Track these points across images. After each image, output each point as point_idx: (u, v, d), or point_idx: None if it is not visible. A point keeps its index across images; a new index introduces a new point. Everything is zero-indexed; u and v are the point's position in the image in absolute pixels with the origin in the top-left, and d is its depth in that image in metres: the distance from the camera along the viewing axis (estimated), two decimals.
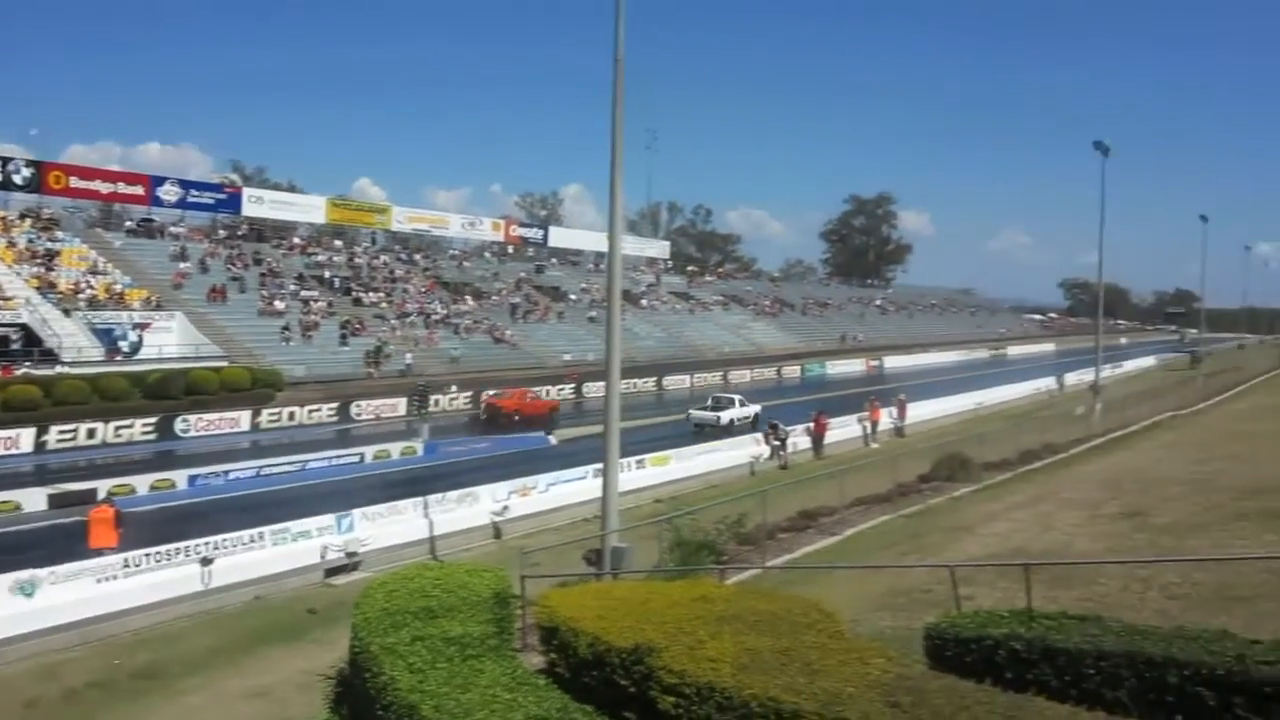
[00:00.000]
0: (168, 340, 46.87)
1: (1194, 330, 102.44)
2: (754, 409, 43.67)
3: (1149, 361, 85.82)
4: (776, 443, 34.92)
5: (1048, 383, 61.99)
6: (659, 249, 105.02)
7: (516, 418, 43.22)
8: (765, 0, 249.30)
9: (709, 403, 44.90)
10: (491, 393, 46.54)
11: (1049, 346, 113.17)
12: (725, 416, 42.57)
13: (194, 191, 62.92)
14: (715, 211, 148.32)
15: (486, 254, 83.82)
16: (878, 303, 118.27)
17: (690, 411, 44.14)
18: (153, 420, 36.75)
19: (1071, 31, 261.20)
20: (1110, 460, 28.16)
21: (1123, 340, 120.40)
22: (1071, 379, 61.16)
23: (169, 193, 60.75)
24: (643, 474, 30.44)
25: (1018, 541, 16.27)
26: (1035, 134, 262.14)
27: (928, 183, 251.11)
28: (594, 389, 48.10)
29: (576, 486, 27.46)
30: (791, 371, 75.33)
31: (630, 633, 7.35)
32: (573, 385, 55.86)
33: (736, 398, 45.13)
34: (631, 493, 26.99)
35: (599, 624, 7.74)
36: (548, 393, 49.32)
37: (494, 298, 71.80)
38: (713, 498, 24.33)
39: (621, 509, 19.71)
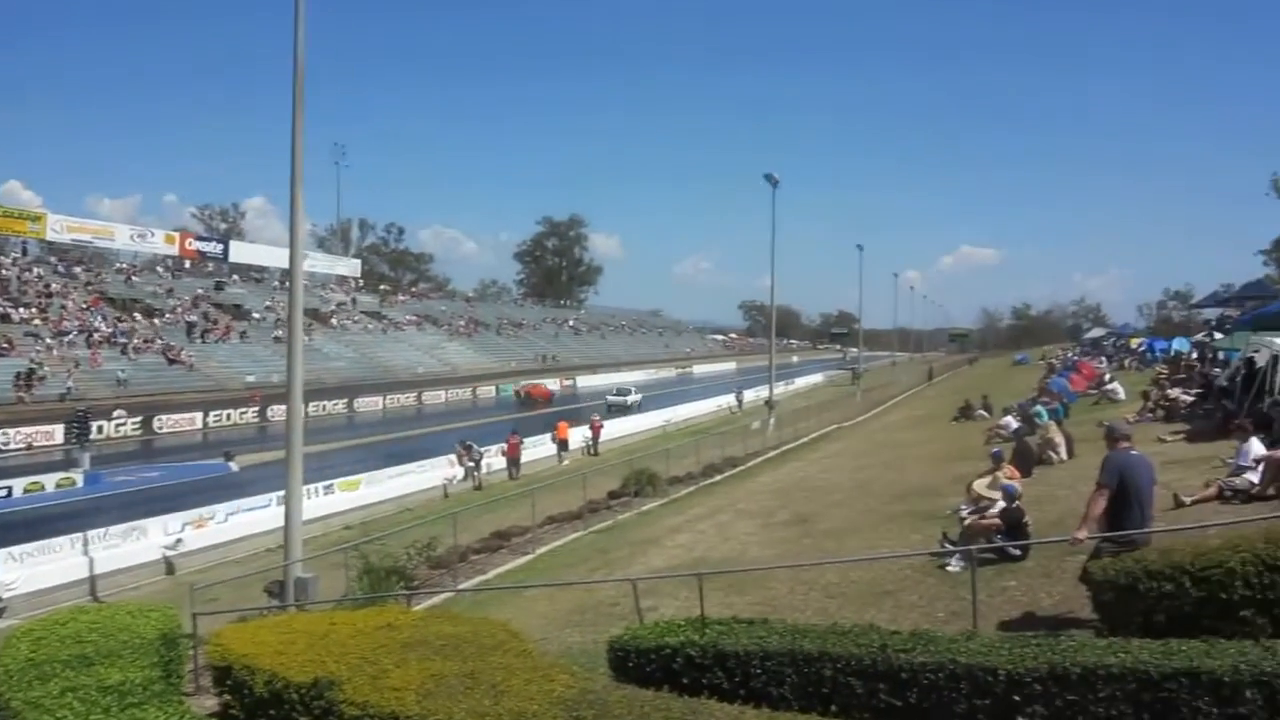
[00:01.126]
0: None
1: (855, 349, 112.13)
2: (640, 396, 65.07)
3: (817, 378, 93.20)
4: (470, 463, 34.73)
5: (729, 399, 65.71)
6: (350, 267, 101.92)
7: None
8: (457, 19, 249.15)
9: (616, 391, 66.61)
10: (524, 383, 74.78)
11: (730, 365, 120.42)
12: (631, 399, 64.05)
13: None
14: (408, 230, 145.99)
15: (159, 269, 77.87)
16: (571, 323, 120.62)
17: (607, 397, 63.82)
18: None
19: (745, 67, 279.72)
20: (782, 471, 30.10)
21: (795, 359, 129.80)
22: (750, 395, 65.33)
23: None
24: (331, 500, 29.39)
25: (699, 551, 17.02)
26: (716, 165, 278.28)
27: (618, 207, 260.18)
28: (280, 412, 45.96)
29: (259, 515, 26.09)
30: (487, 392, 75.34)
31: (311, 666, 7.01)
32: (256, 409, 53.15)
33: (632, 387, 68.87)
34: (319, 520, 26.01)
35: (277, 659, 7.33)
36: (229, 415, 52.38)
37: (168, 315, 66.83)
38: (405, 521, 23.90)
39: (308, 537, 18.91)
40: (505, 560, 20.05)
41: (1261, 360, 19.74)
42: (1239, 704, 5.12)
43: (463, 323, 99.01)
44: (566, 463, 38.90)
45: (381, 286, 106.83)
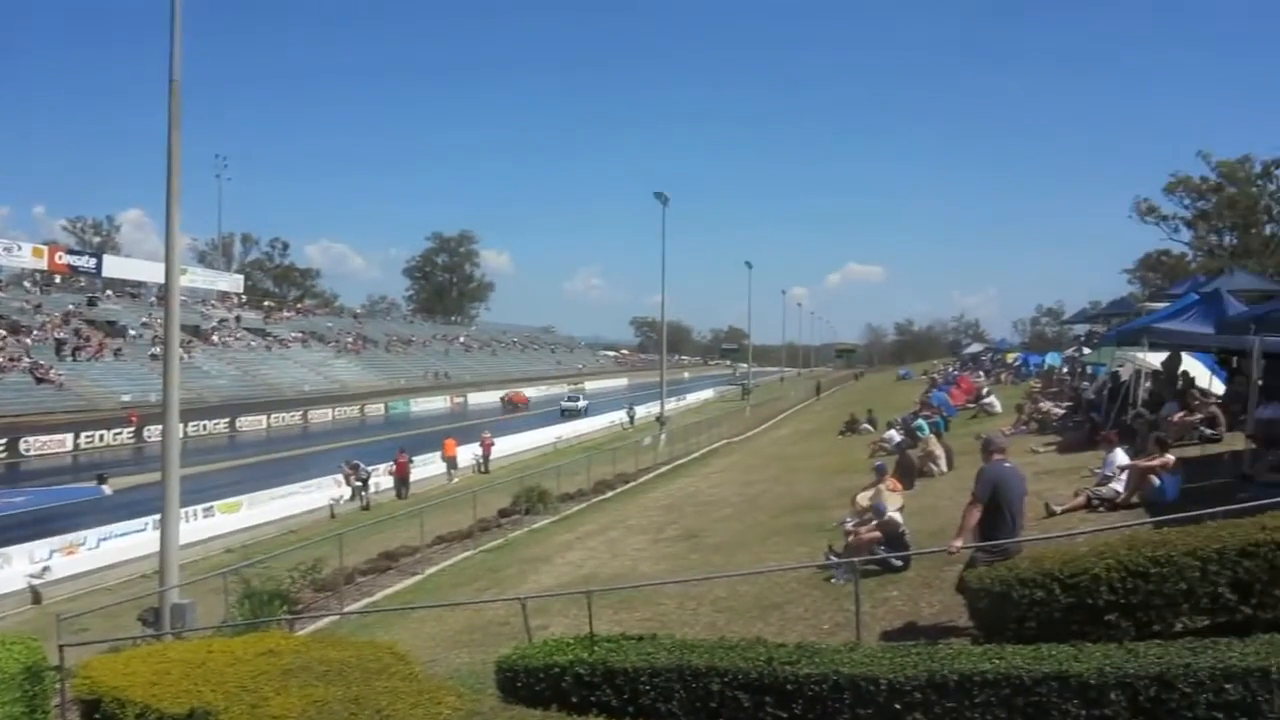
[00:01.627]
0: None
1: (745, 365, 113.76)
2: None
3: (708, 394, 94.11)
4: (358, 483, 34.03)
5: (620, 415, 65.93)
6: (232, 283, 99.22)
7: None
8: (344, 31, 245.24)
9: (568, 395, 76.31)
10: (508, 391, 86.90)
11: (622, 381, 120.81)
12: (581, 404, 73.18)
13: None
14: (294, 245, 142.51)
15: (26, 283, 74.38)
16: (461, 340, 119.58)
17: (562, 403, 73.06)
18: None
19: (635, 82, 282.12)
20: (673, 486, 30.28)
21: (686, 375, 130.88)
22: (642, 411, 65.64)
23: None
24: (211, 522, 28.47)
25: (590, 568, 16.97)
26: (606, 180, 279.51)
27: (509, 223, 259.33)
28: (158, 432, 44.31)
29: (134, 540, 25.08)
30: (375, 410, 74.15)
31: (186, 697, 6.72)
32: (132, 429, 51.25)
33: (581, 394, 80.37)
34: (198, 544, 25.19)
35: (150, 691, 7.01)
36: (102, 437, 51.33)
37: (36, 333, 63.80)
38: (289, 543, 23.25)
39: (185, 562, 18.27)
40: (393, 581, 19.68)
41: (1125, 374, 20.74)
42: (1104, 705, 5.34)
43: (350, 339, 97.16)
44: (456, 481, 38.42)
45: (266, 302, 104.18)
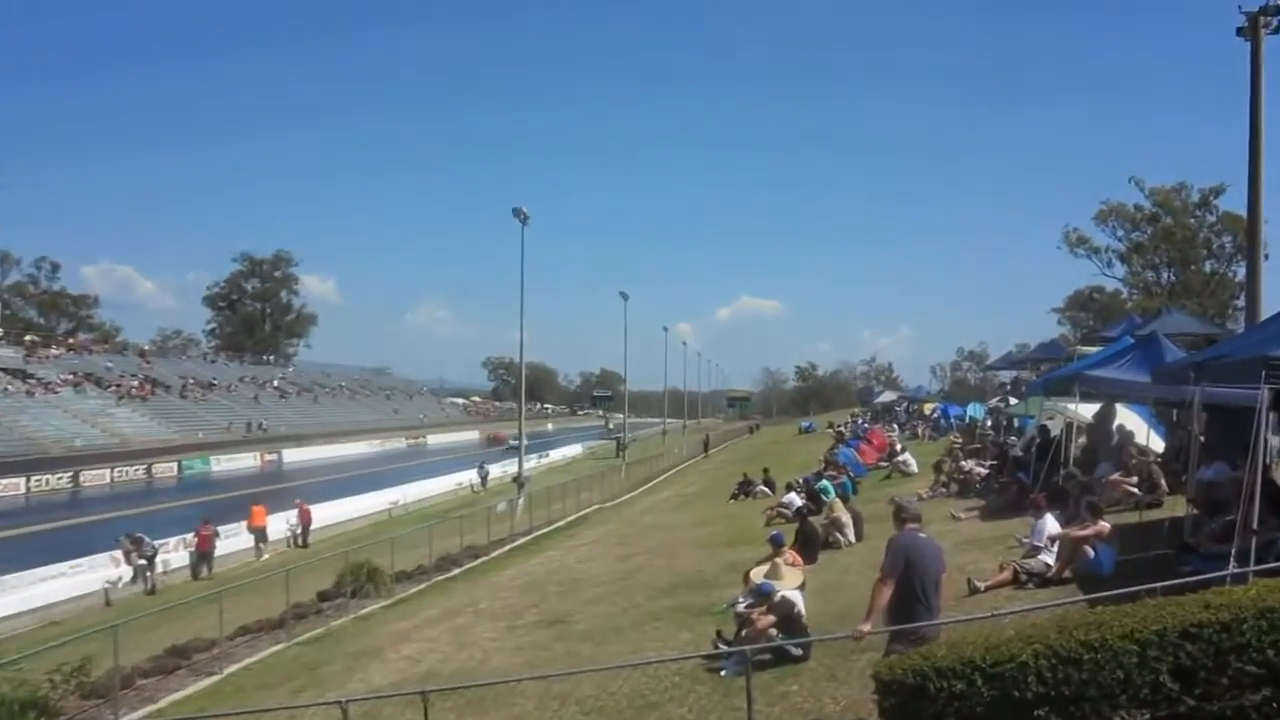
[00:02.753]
0: None
1: (619, 415, 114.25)
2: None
3: (576, 450, 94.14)
4: (141, 561, 32.83)
5: (470, 476, 65.36)
6: None
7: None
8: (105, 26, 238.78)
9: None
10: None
11: (473, 434, 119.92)
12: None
13: None
14: (65, 266, 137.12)
15: None
16: (276, 383, 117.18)
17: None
18: None
19: (484, 98, 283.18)
20: (534, 562, 30.12)
21: (550, 427, 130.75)
22: (496, 471, 65.16)
23: None
24: None
25: (430, 663, 16.68)
26: (454, 199, 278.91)
27: (336, 242, 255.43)
28: None
29: None
30: (166, 470, 72.15)
31: None
32: None
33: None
34: None
35: None
36: None
37: None
38: (49, 638, 22.20)
39: None
40: (184, 683, 18.96)
41: (1055, 429, 21.54)
42: None
43: (136, 383, 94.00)
44: (267, 557, 37.45)
45: (28, 337, 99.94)
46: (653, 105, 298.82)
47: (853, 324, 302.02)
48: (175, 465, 73.84)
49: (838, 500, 21.13)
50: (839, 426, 56.69)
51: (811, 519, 20.86)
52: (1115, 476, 17.66)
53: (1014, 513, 18.36)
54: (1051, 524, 13.85)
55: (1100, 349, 24.69)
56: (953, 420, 48.97)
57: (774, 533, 17.41)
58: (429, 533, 33.13)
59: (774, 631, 11.57)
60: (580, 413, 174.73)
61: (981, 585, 12.92)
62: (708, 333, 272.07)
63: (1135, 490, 17.07)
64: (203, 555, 34.91)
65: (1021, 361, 49.59)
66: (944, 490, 24.65)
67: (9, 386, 79.77)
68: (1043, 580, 12.84)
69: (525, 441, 55.47)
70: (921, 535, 8.67)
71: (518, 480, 49.60)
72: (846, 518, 20.10)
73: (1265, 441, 10.95)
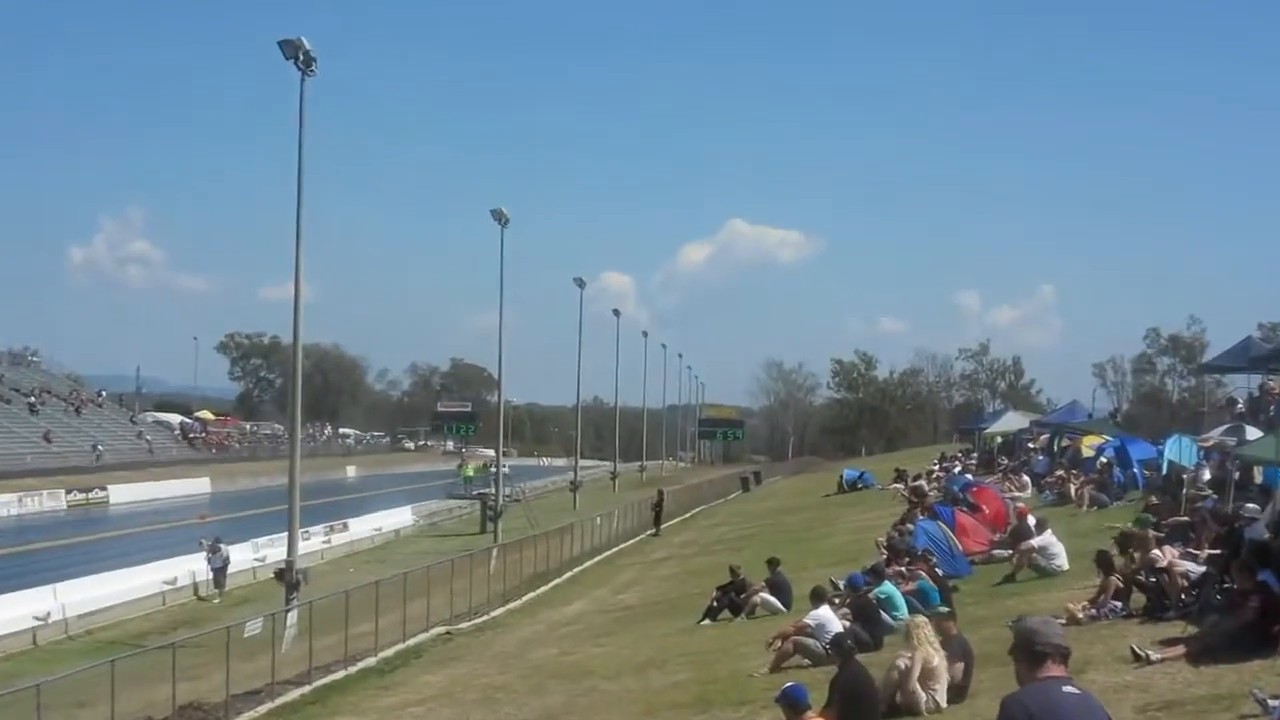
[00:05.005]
0: None
1: (487, 451, 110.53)
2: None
3: (403, 517, 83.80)
4: None
5: (193, 564, 56.18)
6: None
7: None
8: None
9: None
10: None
11: (201, 482, 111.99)
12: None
13: None
14: None
15: None
16: None
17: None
18: None
19: None
20: None
21: (350, 471, 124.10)
22: (240, 556, 57.51)
23: None
24: None
25: None
26: None
27: None
28: None
29: None
30: None
31: None
32: None
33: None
34: None
35: None
36: None
37: None
38: None
39: None
40: None
41: None
42: None
43: None
44: None
45: None
46: None
47: (944, 281, 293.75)
48: None
49: (921, 623, 17.04)
50: (915, 478, 53.66)
51: (854, 661, 16.91)
52: None
53: (1255, 649, 15.99)
54: None
55: None
56: (1137, 469, 41.92)
57: (788, 685, 15.39)
58: (110, 674, 27.24)
59: None
60: (421, 444, 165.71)
61: None
62: (666, 293, 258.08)
63: None
64: None
65: (1271, 358, 44.39)
66: (1119, 606, 21.28)
67: None
68: None
69: (308, 503, 49.68)
70: (1072, 691, 7.47)
71: (287, 578, 42.89)
72: (940, 658, 16.37)
73: None
